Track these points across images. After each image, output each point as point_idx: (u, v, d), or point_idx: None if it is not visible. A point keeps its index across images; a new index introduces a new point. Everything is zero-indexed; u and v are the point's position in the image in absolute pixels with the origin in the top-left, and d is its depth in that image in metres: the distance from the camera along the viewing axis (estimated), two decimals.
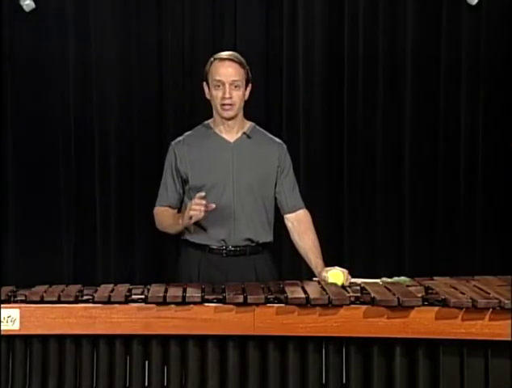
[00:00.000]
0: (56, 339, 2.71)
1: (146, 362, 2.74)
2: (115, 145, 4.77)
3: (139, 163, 4.78)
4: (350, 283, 3.00)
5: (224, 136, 3.32)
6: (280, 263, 4.51)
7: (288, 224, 3.38)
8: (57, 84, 4.71)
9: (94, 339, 2.72)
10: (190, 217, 3.11)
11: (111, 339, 2.71)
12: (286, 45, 4.76)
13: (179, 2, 4.75)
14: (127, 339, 2.72)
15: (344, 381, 2.73)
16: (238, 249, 3.28)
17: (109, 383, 2.73)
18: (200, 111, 4.75)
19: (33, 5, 4.47)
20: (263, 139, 3.38)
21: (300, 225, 3.35)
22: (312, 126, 4.81)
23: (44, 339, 2.71)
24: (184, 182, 3.33)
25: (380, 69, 4.80)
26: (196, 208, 3.08)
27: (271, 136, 3.42)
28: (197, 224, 3.26)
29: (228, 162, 3.28)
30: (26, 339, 2.71)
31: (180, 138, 3.40)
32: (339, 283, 2.98)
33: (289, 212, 3.36)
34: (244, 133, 3.33)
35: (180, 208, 3.38)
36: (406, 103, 4.81)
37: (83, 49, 4.71)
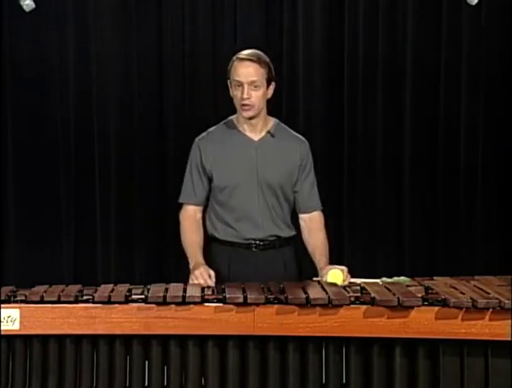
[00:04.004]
0: (56, 339, 2.71)
1: (146, 362, 2.74)
2: (115, 145, 4.77)
3: (139, 163, 4.78)
4: (350, 283, 3.00)
5: (248, 134, 3.31)
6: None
7: (301, 222, 3.39)
8: (57, 84, 4.71)
9: (94, 339, 2.72)
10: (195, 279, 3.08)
11: (111, 339, 2.71)
12: (286, 45, 4.76)
13: (179, 2, 4.75)
14: (127, 339, 2.72)
15: (344, 381, 2.73)
16: (267, 242, 3.29)
17: (109, 383, 2.73)
18: (200, 110, 4.79)
19: (33, 5, 4.47)
20: (287, 136, 3.37)
21: (312, 224, 3.36)
22: (312, 126, 4.81)
23: (44, 339, 2.71)
24: (209, 180, 3.32)
25: (380, 69, 4.80)
26: (201, 281, 3.04)
27: (295, 133, 3.42)
28: (224, 222, 3.29)
29: (253, 161, 3.28)
30: (26, 339, 2.71)
31: (203, 134, 3.39)
32: (338, 282, 2.98)
33: (304, 213, 3.38)
34: (268, 132, 3.33)
35: (207, 205, 3.37)
36: (406, 103, 4.81)
37: (83, 49, 4.71)
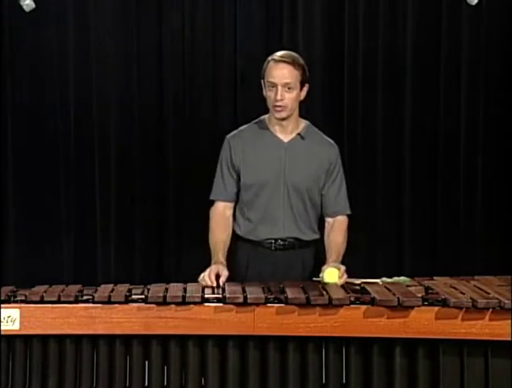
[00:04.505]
0: (56, 339, 2.71)
1: (146, 362, 2.74)
2: (115, 145, 4.77)
3: (139, 163, 4.77)
4: (350, 283, 3.00)
5: (279, 135, 3.33)
6: None
7: (326, 224, 3.42)
8: (57, 84, 4.71)
9: (94, 339, 2.72)
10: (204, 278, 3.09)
11: (111, 339, 2.72)
12: (286, 45, 4.74)
13: (179, 2, 4.75)
14: (127, 339, 2.72)
15: (344, 381, 2.73)
16: (287, 243, 3.30)
17: (109, 383, 2.73)
18: (200, 110, 4.79)
19: (33, 5, 4.46)
20: (317, 139, 3.39)
21: (334, 225, 3.38)
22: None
23: (44, 339, 2.71)
24: (238, 177, 3.34)
25: (380, 68, 4.80)
26: (207, 280, 3.04)
27: (325, 136, 3.43)
28: (248, 220, 3.31)
29: (281, 162, 3.30)
30: (26, 339, 2.71)
31: (235, 132, 3.41)
32: (333, 281, 2.98)
33: (330, 217, 3.40)
34: (298, 134, 3.34)
35: (237, 202, 3.38)
36: (406, 103, 4.81)
37: (83, 49, 4.70)
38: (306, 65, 3.29)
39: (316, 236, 3.39)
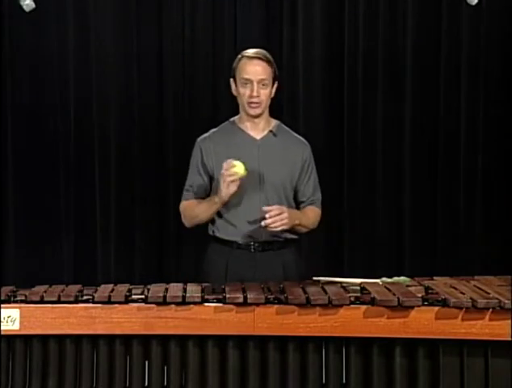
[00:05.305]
0: (56, 339, 2.71)
1: (146, 362, 2.74)
2: (115, 145, 4.77)
3: (139, 163, 4.77)
4: (350, 283, 2.99)
5: (251, 133, 3.35)
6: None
7: None
8: (57, 84, 4.71)
9: (94, 339, 2.72)
10: (228, 186, 3.15)
11: (111, 339, 2.72)
12: (286, 45, 4.76)
13: (179, 2, 4.75)
14: (127, 339, 2.72)
15: (344, 381, 2.73)
16: (266, 243, 3.30)
17: (109, 383, 2.73)
18: (200, 110, 4.79)
19: (33, 5, 4.46)
20: (289, 138, 3.41)
21: (309, 207, 3.41)
22: (312, 126, 4.81)
23: (44, 339, 2.71)
24: (211, 178, 3.34)
25: (380, 69, 4.80)
26: (230, 177, 3.12)
27: (296, 135, 3.45)
28: (225, 220, 3.31)
29: (255, 159, 3.30)
30: (26, 339, 2.71)
31: (206, 135, 3.42)
32: (241, 174, 3.11)
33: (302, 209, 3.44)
34: (270, 131, 3.36)
35: None
36: (406, 103, 4.81)
37: (83, 49, 4.71)
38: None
39: (294, 236, 3.38)
